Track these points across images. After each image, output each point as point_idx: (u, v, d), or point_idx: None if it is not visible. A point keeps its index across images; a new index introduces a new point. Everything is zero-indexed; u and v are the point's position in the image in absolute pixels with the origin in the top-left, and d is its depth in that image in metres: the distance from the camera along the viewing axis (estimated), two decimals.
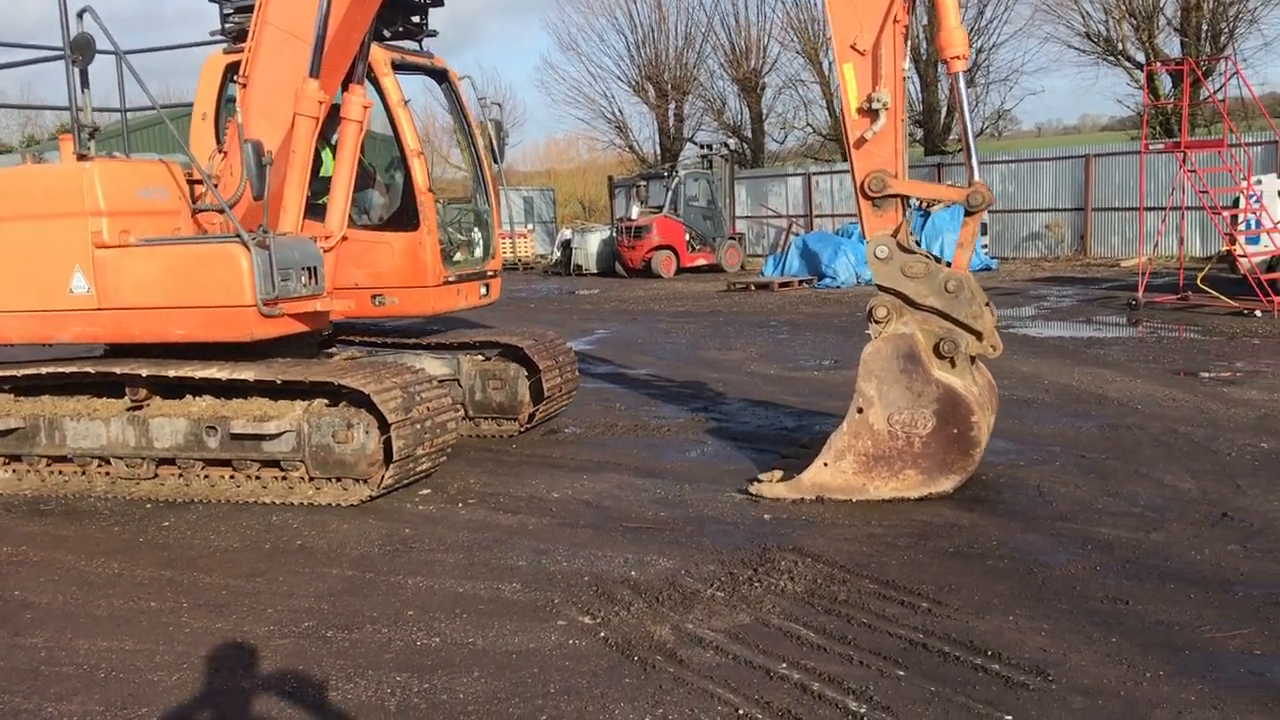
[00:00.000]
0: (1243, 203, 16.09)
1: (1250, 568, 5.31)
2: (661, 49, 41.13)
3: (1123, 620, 4.71)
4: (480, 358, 9.06)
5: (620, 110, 43.64)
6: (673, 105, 41.71)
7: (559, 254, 31.42)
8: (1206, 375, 10.60)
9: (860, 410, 6.40)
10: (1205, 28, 29.80)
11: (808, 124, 39.63)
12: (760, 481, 6.82)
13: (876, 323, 6.44)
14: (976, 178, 6.30)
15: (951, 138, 34.56)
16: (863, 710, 3.93)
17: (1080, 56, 33.89)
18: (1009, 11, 33.46)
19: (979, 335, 6.35)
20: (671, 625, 4.83)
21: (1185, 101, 17.57)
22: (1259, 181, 16.25)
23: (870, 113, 6.39)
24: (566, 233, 32.09)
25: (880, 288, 6.51)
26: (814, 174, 34.01)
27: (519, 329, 9.50)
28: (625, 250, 27.68)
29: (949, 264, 6.57)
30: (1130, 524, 6.05)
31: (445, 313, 8.57)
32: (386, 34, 8.14)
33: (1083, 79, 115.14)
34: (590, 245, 29.84)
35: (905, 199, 6.57)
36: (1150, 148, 19.25)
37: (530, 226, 36.57)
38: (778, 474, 6.96)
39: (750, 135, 40.16)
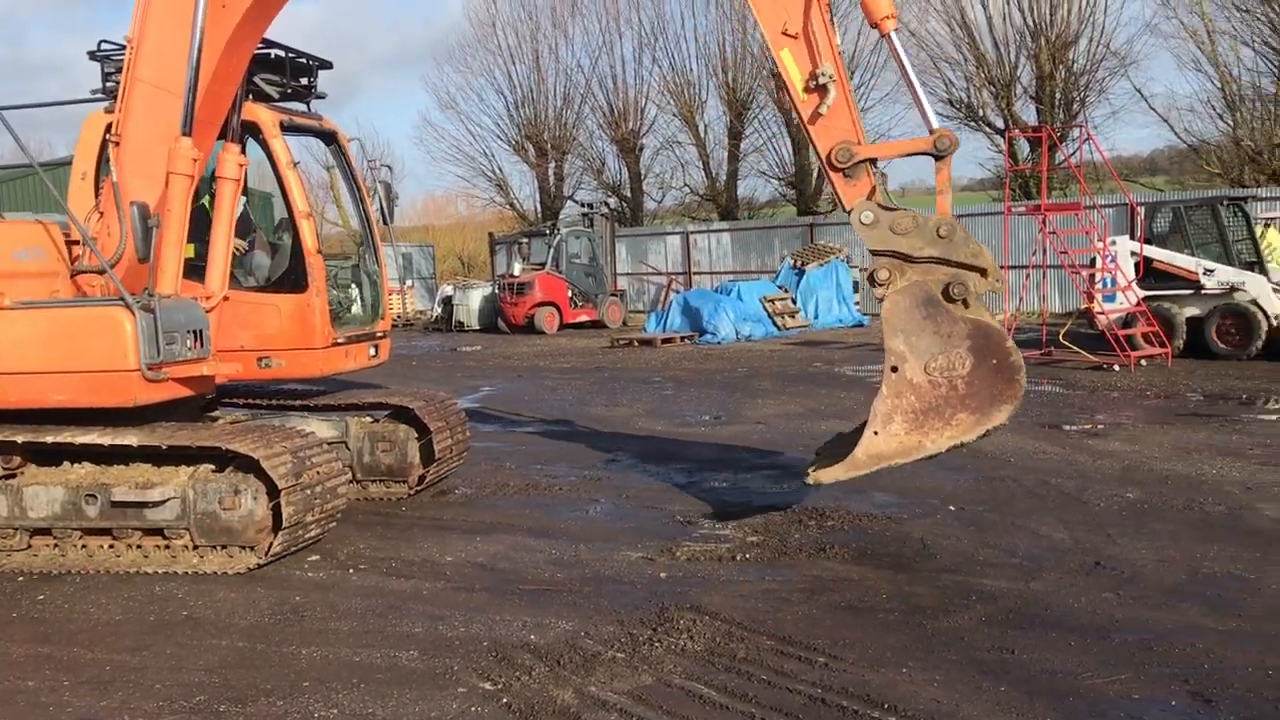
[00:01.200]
0: (1099, 262, 16.98)
1: (1124, 614, 5.58)
2: (540, 109, 41.48)
3: (1009, 669, 4.89)
4: (369, 419, 8.96)
5: (500, 168, 43.80)
6: (553, 164, 42.03)
7: (440, 310, 31.21)
8: (1072, 428, 11.11)
9: (894, 369, 6.25)
10: (1059, 97, 31.47)
11: (685, 184, 40.36)
12: (813, 471, 6.66)
13: (880, 285, 6.35)
14: (936, 124, 6.32)
15: (823, 198, 35.58)
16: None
17: (943, 121, 35.28)
18: (875, 78, 34.73)
19: (984, 272, 6.26)
20: (574, 688, 4.83)
21: (1044, 166, 18.53)
22: (1114, 242, 17.17)
23: (819, 89, 6.37)
24: (448, 289, 31.94)
25: (875, 252, 6.43)
26: (692, 233, 34.64)
27: (408, 389, 9.42)
28: (508, 306, 27.68)
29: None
30: (1011, 574, 6.30)
31: (333, 375, 8.46)
32: (275, 95, 8.09)
33: None
34: (472, 301, 29.73)
35: (873, 162, 6.52)
36: (1013, 210, 20.18)
37: (410, 283, 36.28)
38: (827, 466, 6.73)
39: (630, 194, 40.68)
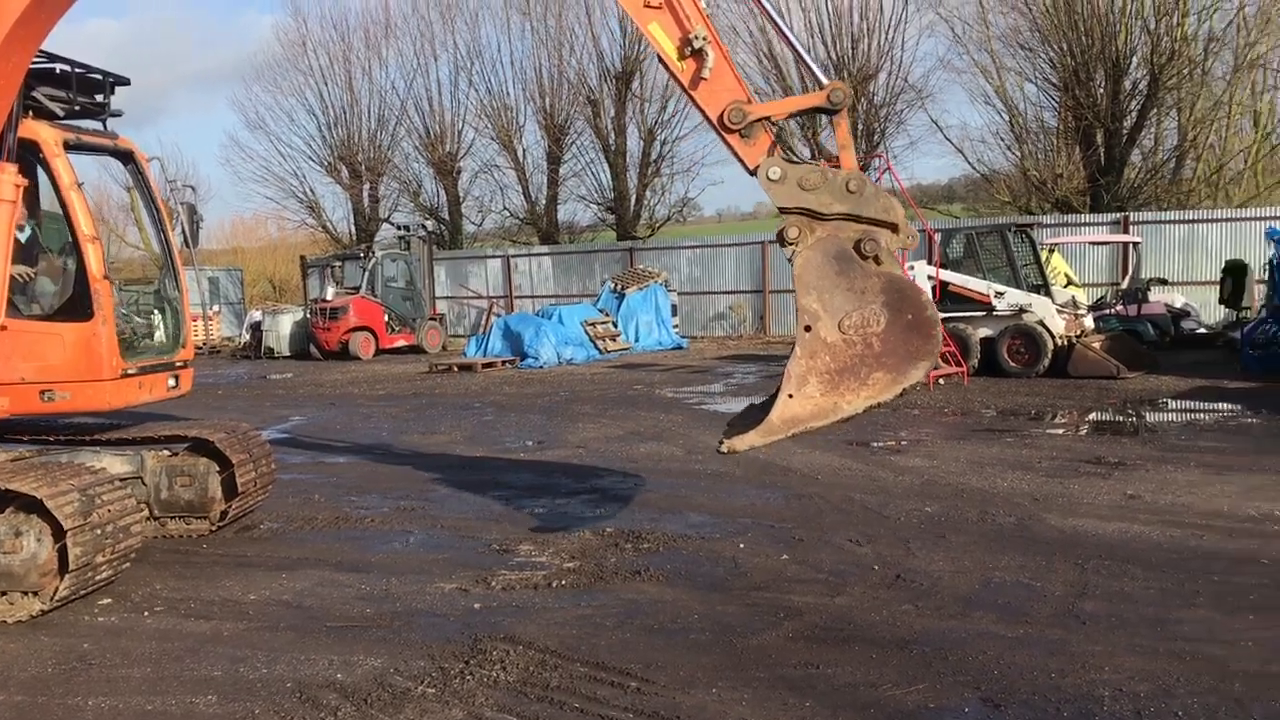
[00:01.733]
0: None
1: (922, 625, 5.82)
2: (354, 130, 40.63)
3: (815, 684, 5.02)
4: (166, 453, 8.53)
5: (312, 190, 42.60)
6: (367, 186, 41.20)
7: (248, 336, 30.10)
8: (876, 445, 11.55)
9: (808, 328, 5.91)
10: (861, 127, 32.83)
11: (504, 208, 40.23)
12: (725, 440, 6.18)
13: (790, 243, 6.04)
14: (825, 79, 6.05)
15: (642, 223, 36.08)
16: None
17: None
18: (688, 108, 35.39)
19: (894, 227, 5.97)
20: None
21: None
22: (911, 267, 17.97)
23: (695, 54, 6.10)
24: (256, 314, 30.84)
25: (783, 210, 6.10)
26: (513, 256, 34.56)
27: (208, 420, 9.02)
28: (321, 332, 26.92)
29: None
30: (818, 590, 6.48)
31: (126, 408, 8.02)
32: (60, 113, 7.64)
33: None
34: (283, 327, 28.80)
35: (769, 119, 6.18)
36: None
37: (216, 308, 34.90)
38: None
39: (448, 217, 40.25)
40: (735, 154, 6.20)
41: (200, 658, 5.70)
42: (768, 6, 6.57)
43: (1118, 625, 5.70)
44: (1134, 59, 27.79)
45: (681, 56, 6.16)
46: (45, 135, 7.37)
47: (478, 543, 7.93)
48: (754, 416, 6.30)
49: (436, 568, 7.29)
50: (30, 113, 7.33)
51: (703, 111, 6.19)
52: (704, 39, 6.06)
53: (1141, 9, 27.44)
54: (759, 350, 25.02)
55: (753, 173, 6.12)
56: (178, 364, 8.44)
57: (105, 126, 8.15)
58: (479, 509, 9.12)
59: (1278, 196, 28.45)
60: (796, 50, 6.49)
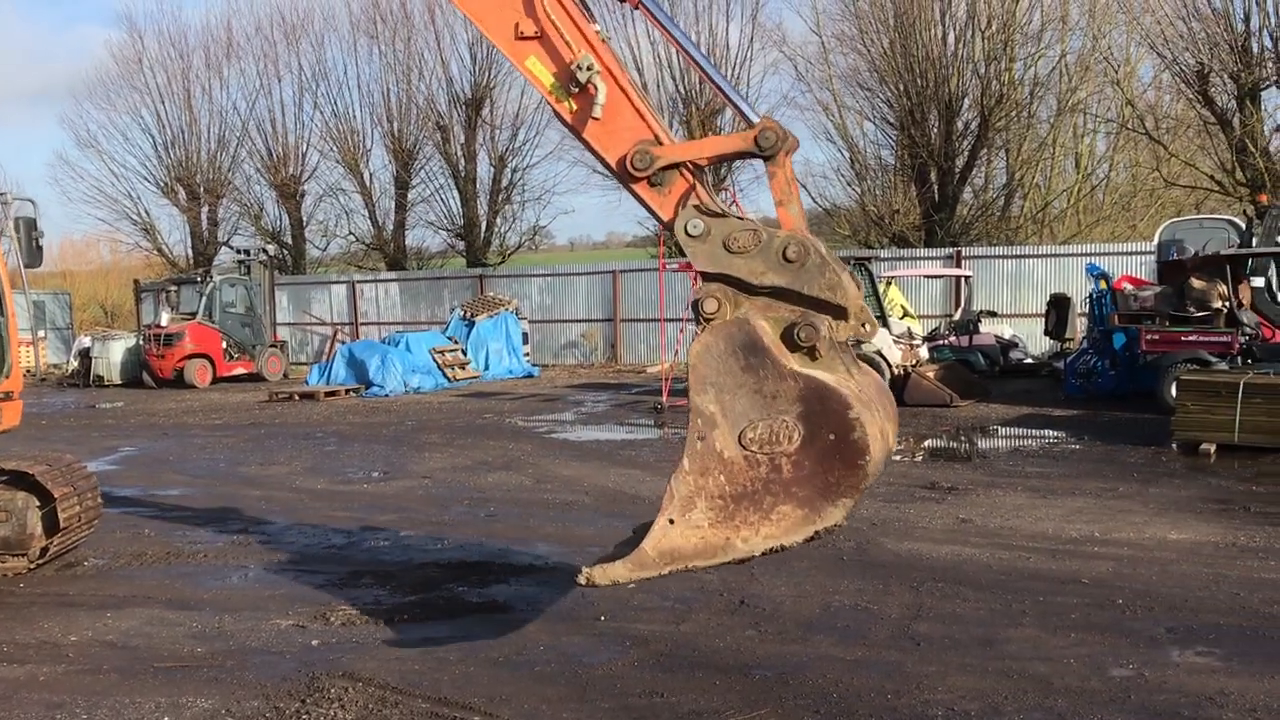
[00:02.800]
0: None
1: (764, 650, 5.90)
2: (192, 151, 39.24)
3: (659, 712, 5.03)
4: None
5: (147, 211, 40.87)
6: (206, 208, 39.81)
7: (76, 364, 28.64)
8: None
9: (701, 437, 4.59)
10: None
11: (350, 232, 39.43)
12: (585, 569, 4.77)
13: (707, 319, 4.78)
14: (754, 117, 4.91)
15: (491, 250, 35.88)
16: None
17: (605, 180, 36.58)
18: (540, 136, 35.52)
19: (843, 312, 4.70)
20: None
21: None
22: None
23: (581, 90, 4.93)
24: (85, 340, 29.38)
25: (703, 275, 4.84)
26: (358, 282, 33.88)
27: (28, 452, 8.52)
28: (154, 359, 25.82)
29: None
30: (663, 618, 6.51)
31: None
32: None
33: (608, 200, 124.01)
34: (113, 354, 27.48)
35: (685, 164, 4.99)
36: (668, 266, 21.18)
37: (41, 334, 33.09)
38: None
39: (291, 241, 39.23)
40: (645, 205, 5.04)
41: (12, 705, 5.36)
42: (675, 34, 5.38)
43: (950, 646, 5.90)
44: (965, 101, 29.18)
45: (567, 93, 5.02)
46: None
47: (316, 577, 7.69)
48: (634, 541, 4.91)
49: (273, 603, 7.04)
50: None
51: (599, 157, 5.06)
52: (591, 69, 4.89)
53: (973, 54, 28.85)
54: (610, 379, 25.13)
55: (668, 226, 4.95)
56: (1, 395, 7.92)
57: None
58: (318, 541, 8.87)
59: (1098, 234, 30.20)
60: (715, 83, 5.34)
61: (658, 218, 5.02)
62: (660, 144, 4.92)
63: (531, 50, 5.14)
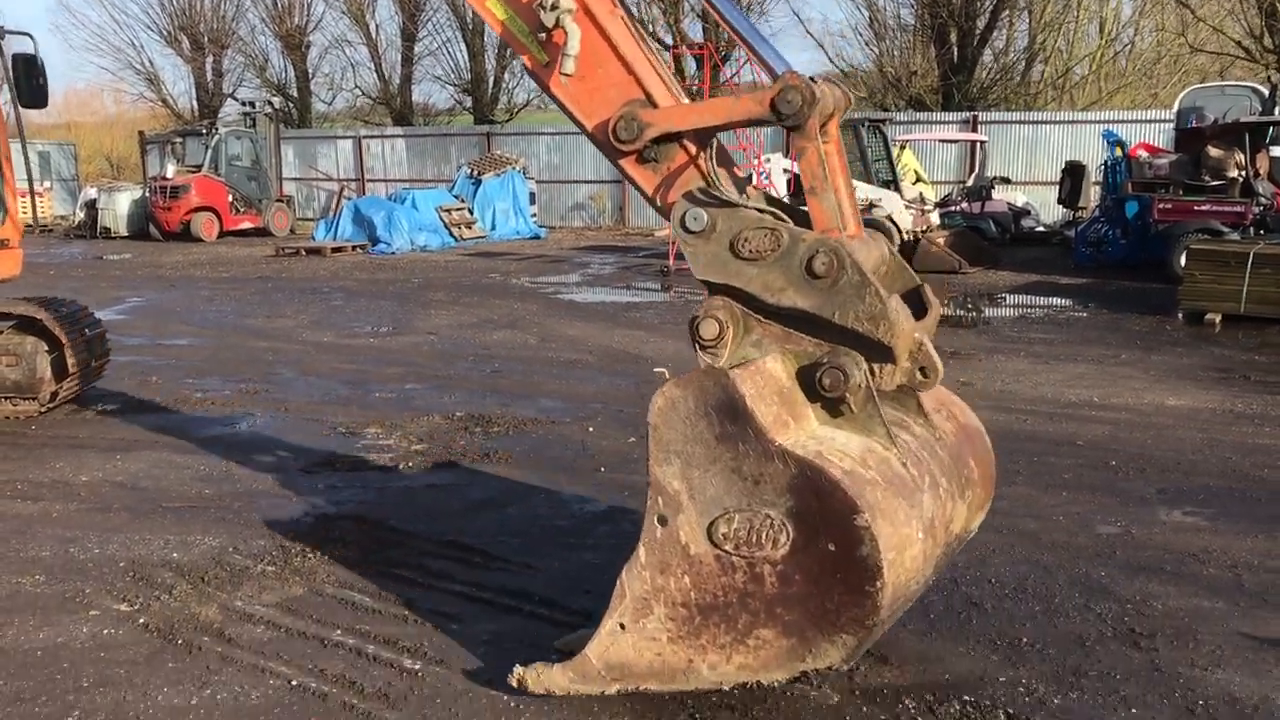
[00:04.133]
0: (754, 178, 17.91)
1: None
2: None
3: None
4: None
5: (151, 61, 40.33)
6: (210, 59, 39.13)
7: (83, 215, 28.52)
8: None
9: (662, 521, 3.54)
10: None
11: (356, 86, 38.80)
12: (525, 669, 3.74)
13: (706, 349, 3.69)
14: (781, 67, 3.79)
15: (499, 107, 35.30)
16: (418, 666, 4.02)
17: None
18: None
19: (888, 351, 3.60)
20: (219, 604, 4.65)
21: (706, 83, 19.23)
22: (768, 159, 18.15)
23: (548, 36, 3.82)
24: (92, 191, 29.18)
25: (707, 286, 3.77)
26: (364, 137, 33.44)
27: (36, 297, 8.56)
28: (161, 211, 25.70)
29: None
30: None
31: None
32: None
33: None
34: (120, 205, 27.33)
35: (683, 134, 3.80)
36: None
37: (47, 185, 32.89)
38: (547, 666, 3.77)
39: (296, 94, 38.62)
40: (633, 183, 3.98)
41: (27, 538, 5.51)
42: None
43: None
44: None
45: (534, 39, 3.91)
46: None
47: (323, 425, 7.81)
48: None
49: (279, 450, 7.17)
50: None
51: (576, 123, 3.97)
52: (558, 8, 3.72)
53: None
54: (617, 241, 25.02)
55: (661, 213, 3.92)
56: None
57: None
58: (324, 392, 8.97)
59: (1118, 101, 29.58)
60: (725, 21, 4.18)
61: (650, 201, 3.95)
62: (652, 105, 3.79)
63: None
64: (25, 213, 8.11)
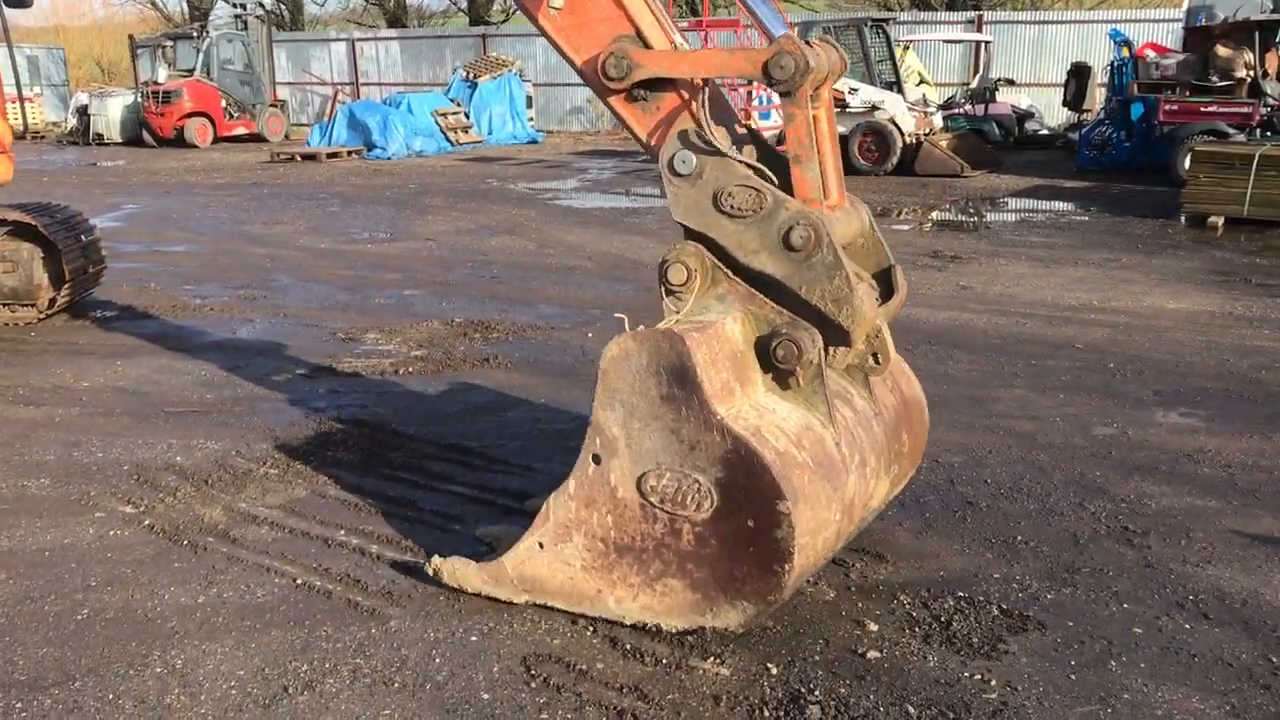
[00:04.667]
0: (755, 80, 17.61)
1: None
2: None
3: None
4: None
5: None
6: None
7: (75, 121, 28.16)
8: None
9: (596, 460, 3.62)
10: None
11: None
12: (443, 560, 3.94)
13: (672, 293, 3.74)
14: (778, 30, 4.01)
15: (495, 9, 34.58)
16: (420, 562, 4.07)
17: None
18: None
19: (846, 335, 3.69)
20: (223, 506, 4.70)
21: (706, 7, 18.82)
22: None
23: None
24: (83, 97, 28.78)
25: (684, 230, 3.80)
26: (358, 40, 32.84)
27: (30, 204, 8.49)
28: (153, 117, 25.36)
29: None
30: None
31: None
32: None
33: None
34: (112, 111, 26.97)
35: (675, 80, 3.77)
36: (676, 25, 20.46)
37: (37, 90, 32.39)
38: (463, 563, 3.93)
39: None
40: (622, 121, 3.91)
41: (31, 443, 5.55)
42: None
43: (940, 404, 6.00)
44: None
45: None
46: None
47: (322, 331, 7.82)
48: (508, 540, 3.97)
49: (280, 356, 7.18)
50: None
51: (565, 56, 3.91)
52: None
53: None
54: (616, 146, 24.72)
55: (650, 152, 3.87)
56: None
57: None
58: (323, 298, 8.96)
59: (1126, 0, 28.98)
60: None
61: (638, 140, 3.89)
62: (643, 43, 3.73)
63: None
64: (15, 119, 7.95)
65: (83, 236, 8.28)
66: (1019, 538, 4.32)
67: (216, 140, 25.72)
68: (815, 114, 3.72)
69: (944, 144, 17.58)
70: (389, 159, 22.17)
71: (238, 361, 7.04)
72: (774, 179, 3.71)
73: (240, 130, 26.30)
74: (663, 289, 3.74)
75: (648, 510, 3.55)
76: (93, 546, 4.33)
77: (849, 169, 17.46)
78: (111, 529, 4.49)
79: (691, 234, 3.75)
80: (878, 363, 3.83)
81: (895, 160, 17.31)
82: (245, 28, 27.44)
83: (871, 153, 17.55)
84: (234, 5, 30.08)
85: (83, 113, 27.65)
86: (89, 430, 5.73)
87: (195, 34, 27.33)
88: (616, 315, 3.89)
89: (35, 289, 8.00)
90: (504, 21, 34.11)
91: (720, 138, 3.72)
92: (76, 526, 4.52)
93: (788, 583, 3.44)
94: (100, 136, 26.77)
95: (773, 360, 3.59)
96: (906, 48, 21.30)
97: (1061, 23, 24.83)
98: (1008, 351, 7.10)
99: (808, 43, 3.63)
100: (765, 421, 3.51)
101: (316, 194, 16.31)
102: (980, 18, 24.91)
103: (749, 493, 3.39)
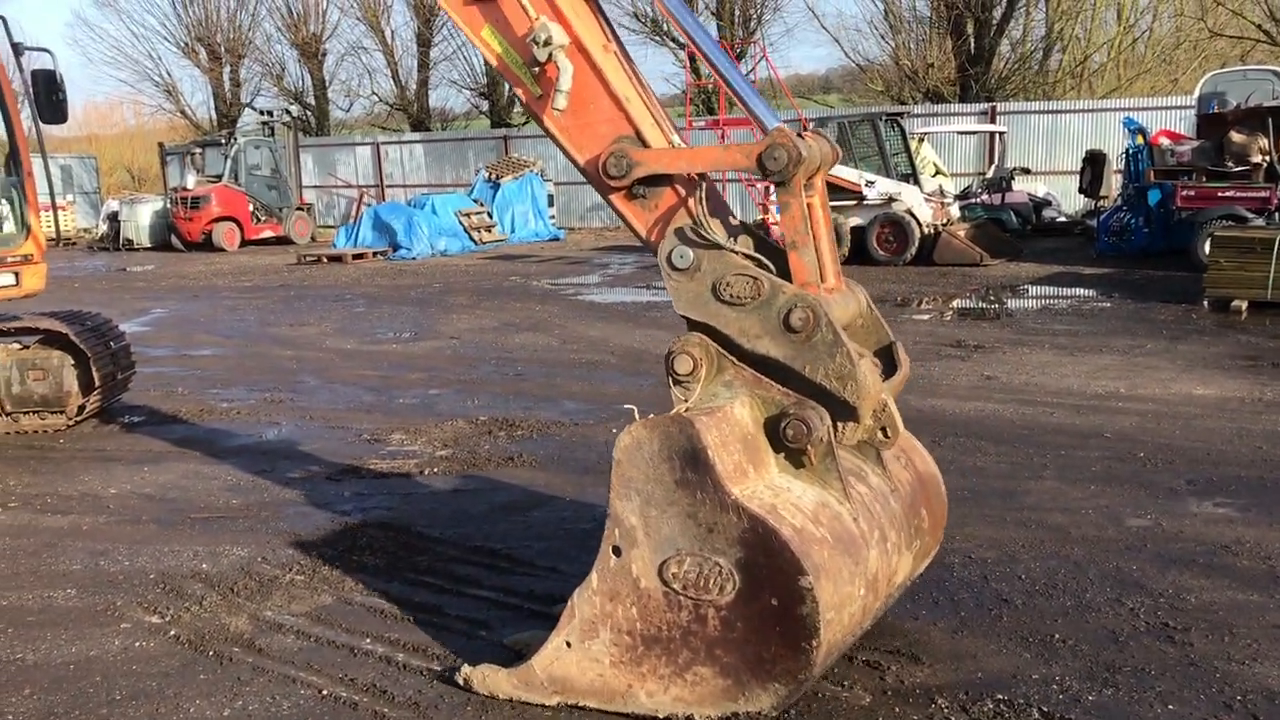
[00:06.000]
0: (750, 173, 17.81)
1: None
2: (211, 9, 38.74)
3: None
4: (16, 346, 8.16)
5: (169, 72, 40.77)
6: (228, 69, 39.42)
7: (106, 227, 28.77)
8: None
9: (617, 552, 3.64)
10: (738, 13, 32.60)
11: (373, 92, 38.98)
12: (473, 669, 3.91)
13: (679, 382, 3.80)
14: (771, 123, 3.88)
15: (516, 110, 35.33)
16: (446, 669, 4.01)
17: (629, 35, 35.84)
18: None
19: (853, 411, 3.73)
20: (249, 615, 4.67)
21: (723, 82, 19.18)
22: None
23: (540, 69, 3.90)
24: (114, 204, 29.45)
25: (687, 322, 3.89)
26: (383, 143, 33.57)
27: (61, 311, 8.63)
28: (182, 222, 25.90)
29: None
30: None
31: None
32: None
33: (634, 56, 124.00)
34: (141, 217, 27.57)
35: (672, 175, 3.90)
36: (694, 125, 20.84)
37: (70, 198, 33.18)
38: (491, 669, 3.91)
39: (314, 102, 38.82)
40: (623, 218, 4.04)
41: (58, 552, 5.55)
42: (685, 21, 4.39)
43: (969, 497, 5.96)
44: None
45: (529, 72, 3.97)
46: None
47: (348, 432, 7.84)
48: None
49: (306, 459, 7.20)
50: None
51: (569, 157, 4.07)
52: (550, 44, 3.77)
53: None
54: (636, 242, 24.96)
55: (649, 248, 3.99)
56: (10, 259, 7.79)
57: None
58: (349, 400, 9.01)
59: (1137, 88, 29.34)
60: (721, 76, 4.33)
61: (638, 236, 4.02)
62: (643, 143, 3.87)
63: (481, 11, 4.02)
64: (49, 227, 8.12)
65: (112, 343, 8.39)
66: (1057, 636, 4.23)
67: (244, 244, 26.19)
68: (810, 201, 3.84)
69: (962, 233, 17.69)
70: (414, 259, 22.47)
71: (264, 465, 7.06)
72: (771, 266, 3.80)
73: (267, 233, 26.78)
74: (670, 379, 3.81)
75: (672, 598, 3.54)
76: (118, 659, 4.29)
77: (868, 260, 17.68)
78: (137, 640, 4.46)
79: (695, 325, 3.84)
80: (887, 436, 3.85)
81: (914, 250, 17.42)
82: (272, 134, 28.15)
83: (890, 244, 17.67)
84: (261, 112, 30.93)
85: (113, 219, 28.26)
86: (116, 538, 5.73)
87: (223, 140, 28.03)
88: (626, 406, 3.97)
89: (65, 396, 8.08)
90: (525, 124, 34.78)
91: (716, 230, 3.84)
92: (102, 638, 4.49)
93: (817, 659, 3.40)
94: (130, 242, 27.31)
95: (784, 440, 3.63)
96: (921, 140, 21.57)
97: (1074, 112, 25.13)
98: (1036, 442, 7.03)
99: (800, 135, 3.74)
100: (781, 500, 3.54)
101: (342, 295, 16.52)
102: (994, 109, 25.26)
103: (770, 571, 3.39)
